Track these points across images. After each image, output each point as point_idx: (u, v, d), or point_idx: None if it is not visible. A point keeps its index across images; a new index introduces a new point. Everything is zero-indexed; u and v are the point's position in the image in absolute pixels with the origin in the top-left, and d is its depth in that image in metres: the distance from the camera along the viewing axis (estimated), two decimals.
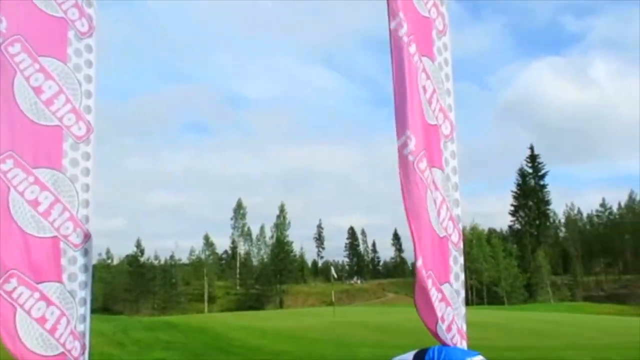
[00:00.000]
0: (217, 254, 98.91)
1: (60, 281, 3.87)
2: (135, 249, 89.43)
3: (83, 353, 3.98)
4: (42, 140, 3.92)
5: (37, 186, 3.82)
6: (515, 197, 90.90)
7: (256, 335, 16.12)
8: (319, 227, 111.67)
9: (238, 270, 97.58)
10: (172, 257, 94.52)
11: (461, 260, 4.37)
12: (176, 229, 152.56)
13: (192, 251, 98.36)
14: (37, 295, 3.66)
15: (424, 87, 4.05)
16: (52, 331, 3.71)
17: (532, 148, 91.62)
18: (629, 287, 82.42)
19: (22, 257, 3.68)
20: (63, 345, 3.79)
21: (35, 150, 3.85)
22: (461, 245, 4.42)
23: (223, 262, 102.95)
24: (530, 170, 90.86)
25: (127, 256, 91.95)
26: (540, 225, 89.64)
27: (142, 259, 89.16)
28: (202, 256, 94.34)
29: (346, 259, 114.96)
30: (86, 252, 4.12)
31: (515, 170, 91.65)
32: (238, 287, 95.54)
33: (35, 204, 3.78)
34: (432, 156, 4.16)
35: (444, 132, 4.29)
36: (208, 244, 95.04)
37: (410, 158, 3.89)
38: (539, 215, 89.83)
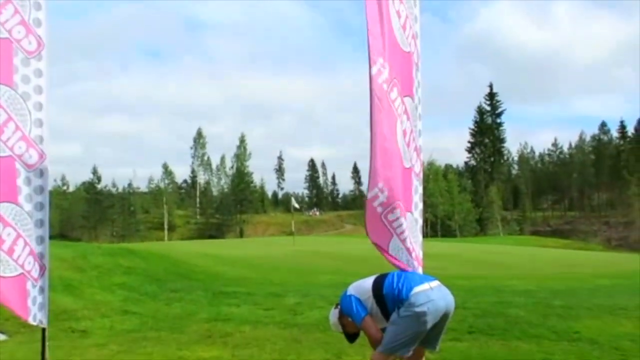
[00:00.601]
0: (176, 183, 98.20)
1: (15, 202, 3.76)
2: (92, 176, 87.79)
3: (42, 275, 3.95)
4: None
5: None
6: (473, 134, 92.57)
7: (217, 262, 16.34)
8: (280, 158, 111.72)
9: (198, 200, 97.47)
10: (130, 185, 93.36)
11: (421, 189, 4.46)
12: (134, 157, 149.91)
13: (151, 180, 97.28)
14: None
15: (397, 12, 3.95)
16: (9, 252, 3.64)
17: (491, 86, 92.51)
18: (572, 223, 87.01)
19: None
20: (22, 266, 3.74)
21: None
22: (422, 175, 4.50)
23: (183, 191, 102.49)
24: (488, 108, 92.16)
25: (84, 183, 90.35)
26: (494, 162, 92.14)
27: (99, 187, 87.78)
28: (162, 185, 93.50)
29: (306, 191, 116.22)
30: (42, 173, 4.00)
31: (474, 107, 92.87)
32: (198, 217, 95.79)
33: None
34: (405, 85, 4.11)
35: (415, 59, 4.23)
36: (167, 172, 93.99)
37: (385, 87, 3.84)
38: (494, 153, 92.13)
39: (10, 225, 3.68)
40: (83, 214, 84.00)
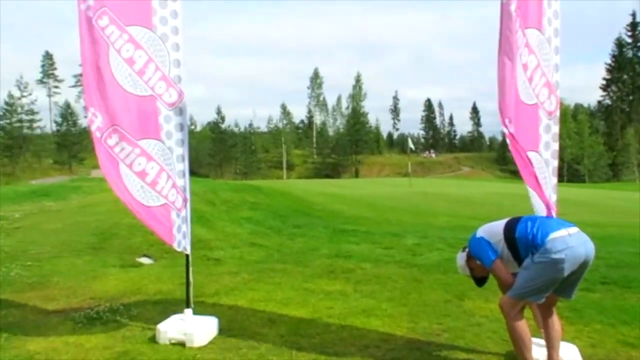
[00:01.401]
0: (294, 123, 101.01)
1: (158, 139, 4.04)
2: (216, 116, 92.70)
3: (185, 206, 4.27)
4: None
5: (131, 44, 3.85)
6: (609, 70, 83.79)
7: (335, 201, 16.75)
8: (395, 98, 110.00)
9: (315, 140, 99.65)
10: (250, 125, 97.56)
11: (555, 129, 4.12)
12: (254, 97, 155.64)
13: (270, 120, 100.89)
14: (137, 151, 3.86)
15: None
16: (152, 184, 3.96)
17: (633, 15, 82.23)
18: None
19: (123, 114, 3.83)
20: (165, 197, 4.06)
21: (127, 7, 3.82)
22: (557, 114, 4.14)
23: (300, 131, 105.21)
24: (629, 40, 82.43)
25: (209, 123, 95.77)
26: (633, 101, 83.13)
27: (223, 126, 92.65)
28: (280, 125, 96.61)
29: (422, 132, 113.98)
30: (181, 112, 4.24)
31: (612, 39, 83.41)
32: (315, 156, 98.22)
33: (130, 62, 3.84)
34: (528, 16, 3.79)
35: None
36: (285, 113, 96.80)
37: (514, 15, 3.55)
38: (633, 90, 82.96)
39: (153, 160, 3.98)
40: (209, 152, 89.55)
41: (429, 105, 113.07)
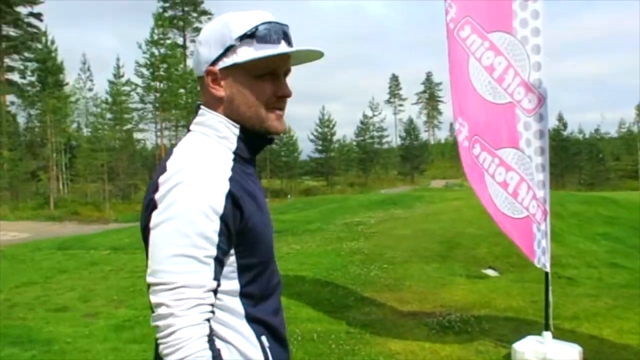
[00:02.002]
0: None
1: (517, 147, 3.83)
2: (557, 122, 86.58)
3: (545, 219, 3.94)
4: (493, 1, 3.79)
5: (491, 52, 3.75)
6: None
7: None
8: None
9: None
10: (597, 130, 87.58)
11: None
12: (600, 100, 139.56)
13: (621, 123, 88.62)
14: (497, 161, 3.72)
15: None
16: (514, 195, 3.76)
17: None
18: None
19: (482, 124, 3.76)
20: (527, 209, 3.82)
21: (489, 13, 3.74)
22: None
23: None
24: None
25: (549, 130, 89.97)
26: None
27: (565, 133, 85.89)
28: (635, 128, 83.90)
29: None
30: (541, 118, 3.94)
31: None
32: None
33: (490, 69, 3.75)
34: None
35: None
36: None
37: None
38: None
39: (513, 170, 3.78)
40: (550, 162, 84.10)
41: None
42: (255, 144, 1.27)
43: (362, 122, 61.90)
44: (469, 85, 3.67)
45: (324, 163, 55.41)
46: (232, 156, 1.22)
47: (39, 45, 36.20)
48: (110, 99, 39.17)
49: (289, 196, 43.37)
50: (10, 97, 42.05)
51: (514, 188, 3.76)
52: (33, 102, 36.90)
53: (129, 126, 40.62)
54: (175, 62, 43.11)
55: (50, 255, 11.31)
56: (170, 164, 1.16)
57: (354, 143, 61.89)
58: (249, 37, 1.18)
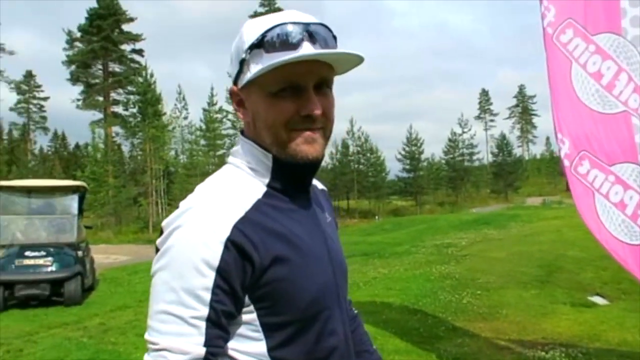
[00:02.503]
0: None
1: (635, 162, 3.34)
2: None
3: None
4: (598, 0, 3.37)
5: (598, 56, 3.32)
6: None
7: None
8: None
9: None
10: None
11: None
12: None
13: None
14: (611, 178, 3.27)
15: None
16: (633, 218, 3.27)
17: None
18: None
19: (591, 137, 3.33)
20: None
21: (594, 13, 3.33)
22: None
23: None
24: None
25: None
26: None
27: None
28: None
29: None
30: None
31: None
32: None
33: (597, 76, 3.32)
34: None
35: None
36: None
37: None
38: None
39: (631, 188, 3.30)
40: None
41: None
42: (295, 173, 1.03)
43: (450, 140, 60.48)
44: (572, 96, 3.27)
45: (412, 182, 54.56)
46: (264, 190, 1.01)
47: (140, 79, 38.75)
48: (204, 126, 41.10)
49: (376, 217, 42.99)
50: (115, 129, 45.49)
51: (633, 209, 3.27)
52: (135, 132, 39.39)
53: (222, 152, 42.26)
54: None
55: (145, 279, 11.75)
56: (183, 202, 0.97)
57: (443, 161, 60.56)
58: (257, 46, 0.97)
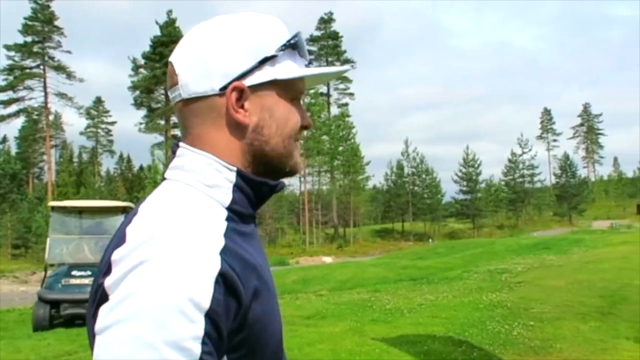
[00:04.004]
0: None
1: None
2: None
3: None
4: None
5: None
6: None
7: None
8: None
9: None
10: None
11: None
12: None
13: None
14: None
15: None
16: None
17: None
18: None
19: None
20: None
21: None
22: None
23: None
24: None
25: None
26: None
27: None
28: None
29: None
30: None
31: None
32: None
33: None
34: None
35: None
36: None
37: None
38: None
39: None
40: None
41: None
42: (261, 193, 0.88)
43: (510, 160, 58.70)
44: None
45: (469, 204, 53.18)
46: (224, 214, 0.81)
47: None
48: None
49: (430, 240, 42.02)
50: None
51: None
52: None
53: None
54: (318, 110, 44.89)
55: None
56: (131, 230, 0.74)
57: (502, 182, 58.77)
58: (292, 47, 0.88)
